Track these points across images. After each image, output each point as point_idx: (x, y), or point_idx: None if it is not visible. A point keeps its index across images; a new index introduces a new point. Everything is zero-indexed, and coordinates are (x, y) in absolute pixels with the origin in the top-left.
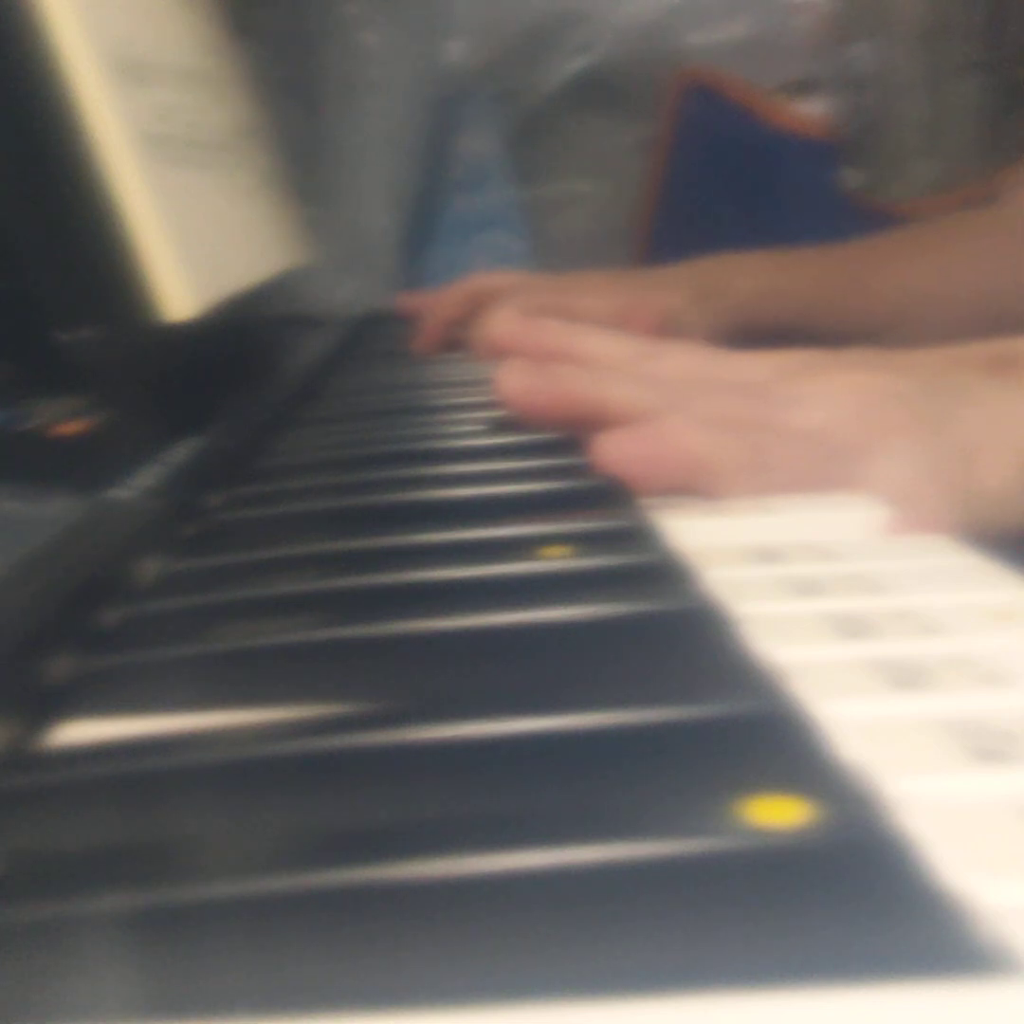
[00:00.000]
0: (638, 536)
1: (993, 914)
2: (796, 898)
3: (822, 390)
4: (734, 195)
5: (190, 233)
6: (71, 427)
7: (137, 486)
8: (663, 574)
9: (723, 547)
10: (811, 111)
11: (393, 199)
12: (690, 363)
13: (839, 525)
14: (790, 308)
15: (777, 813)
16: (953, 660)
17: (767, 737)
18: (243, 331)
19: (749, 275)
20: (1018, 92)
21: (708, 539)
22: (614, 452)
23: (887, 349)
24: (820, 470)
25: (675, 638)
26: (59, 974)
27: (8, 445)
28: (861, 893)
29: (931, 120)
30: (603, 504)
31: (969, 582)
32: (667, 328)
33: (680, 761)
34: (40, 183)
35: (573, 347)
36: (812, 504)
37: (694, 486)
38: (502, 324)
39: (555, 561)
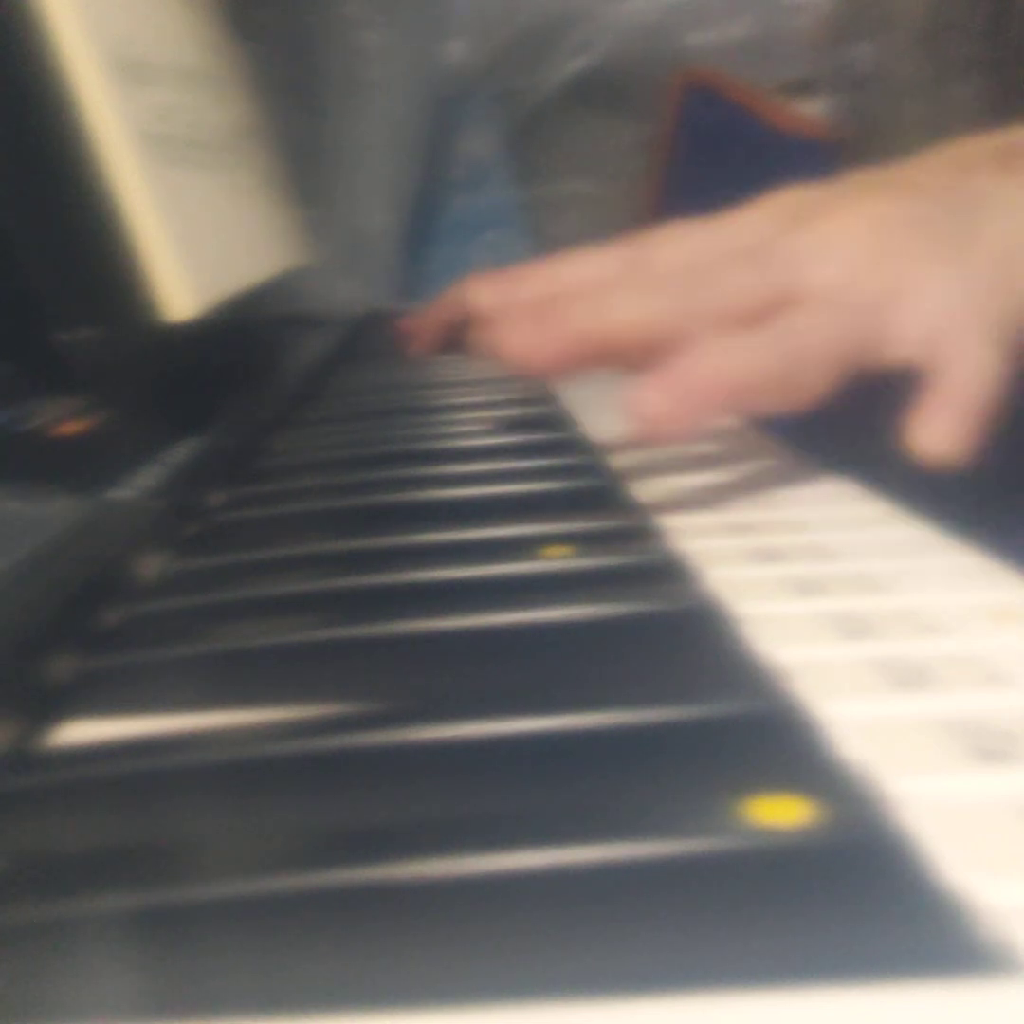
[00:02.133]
0: (638, 536)
1: (994, 914)
2: (797, 898)
3: (831, 234)
4: (734, 195)
5: (190, 233)
6: (71, 427)
7: (137, 486)
8: (663, 574)
9: (723, 547)
10: (811, 111)
11: (393, 199)
12: (684, 246)
13: (840, 524)
14: None
15: (778, 813)
16: (954, 660)
17: (768, 737)
18: (243, 331)
19: None
20: (1018, 92)
21: (708, 539)
22: (652, 407)
23: (881, 165)
24: (852, 335)
25: (675, 638)
26: (59, 974)
27: (8, 445)
28: (862, 892)
29: (931, 120)
30: (603, 504)
31: (969, 582)
32: None
33: (681, 761)
34: (40, 183)
35: (560, 281)
36: (812, 503)
37: (737, 411)
38: (478, 294)
39: (555, 561)
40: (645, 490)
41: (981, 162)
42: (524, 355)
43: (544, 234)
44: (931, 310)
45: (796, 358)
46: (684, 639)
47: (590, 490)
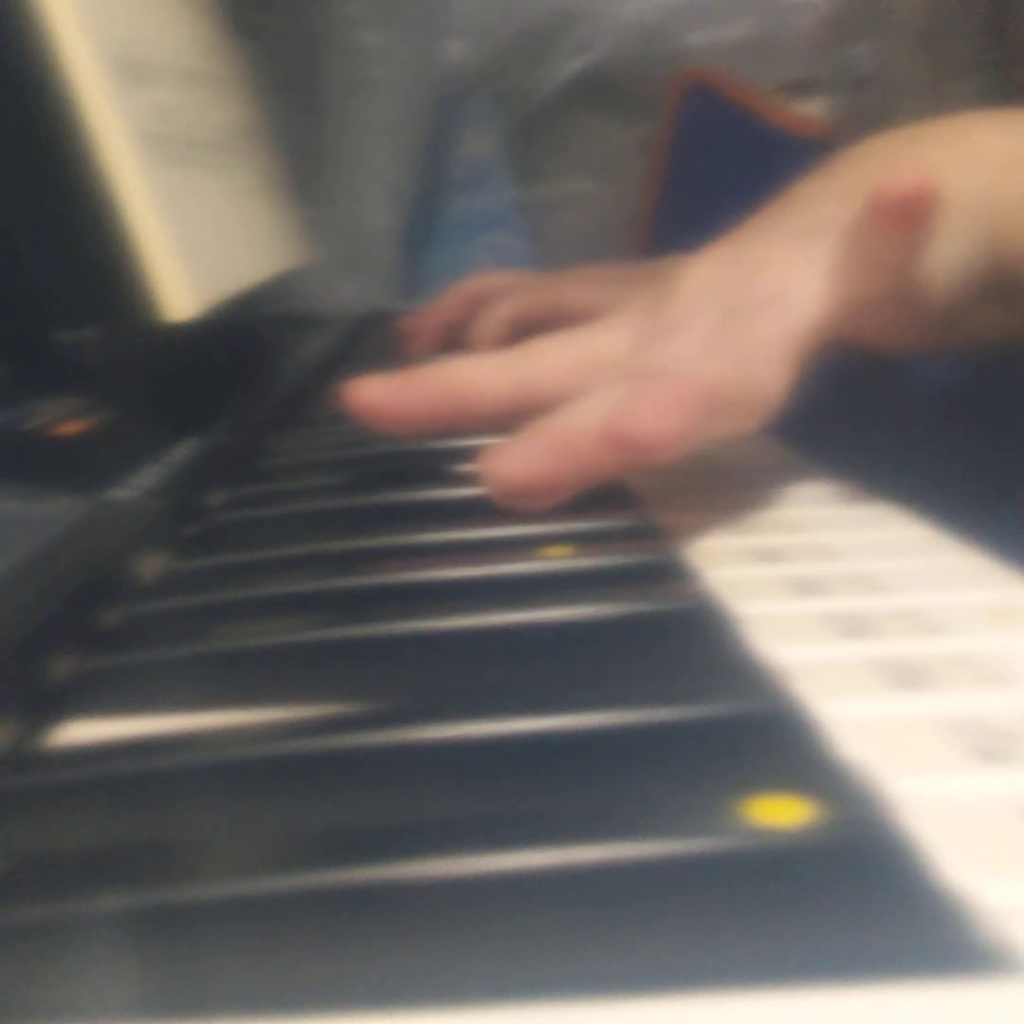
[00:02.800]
0: (638, 536)
1: (994, 914)
2: (798, 897)
3: (708, 273)
4: (734, 195)
5: (190, 233)
6: (71, 427)
7: (137, 486)
8: (663, 574)
9: (724, 547)
10: (811, 111)
11: (393, 199)
12: (566, 354)
13: (839, 524)
14: None
15: (779, 813)
16: (954, 660)
17: (769, 737)
18: (243, 331)
19: None
20: (1018, 92)
21: (708, 538)
22: (638, 410)
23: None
24: (781, 324)
25: (676, 638)
26: (59, 974)
27: (8, 445)
28: (863, 893)
29: (931, 120)
30: (604, 503)
31: (969, 582)
32: None
33: (682, 761)
34: (40, 183)
35: (457, 385)
36: (812, 502)
37: (721, 418)
38: (367, 390)
39: (555, 561)
40: (644, 490)
41: (802, 182)
42: (526, 479)
43: (544, 234)
44: (786, 278)
45: (747, 359)
46: (684, 639)
47: (589, 489)
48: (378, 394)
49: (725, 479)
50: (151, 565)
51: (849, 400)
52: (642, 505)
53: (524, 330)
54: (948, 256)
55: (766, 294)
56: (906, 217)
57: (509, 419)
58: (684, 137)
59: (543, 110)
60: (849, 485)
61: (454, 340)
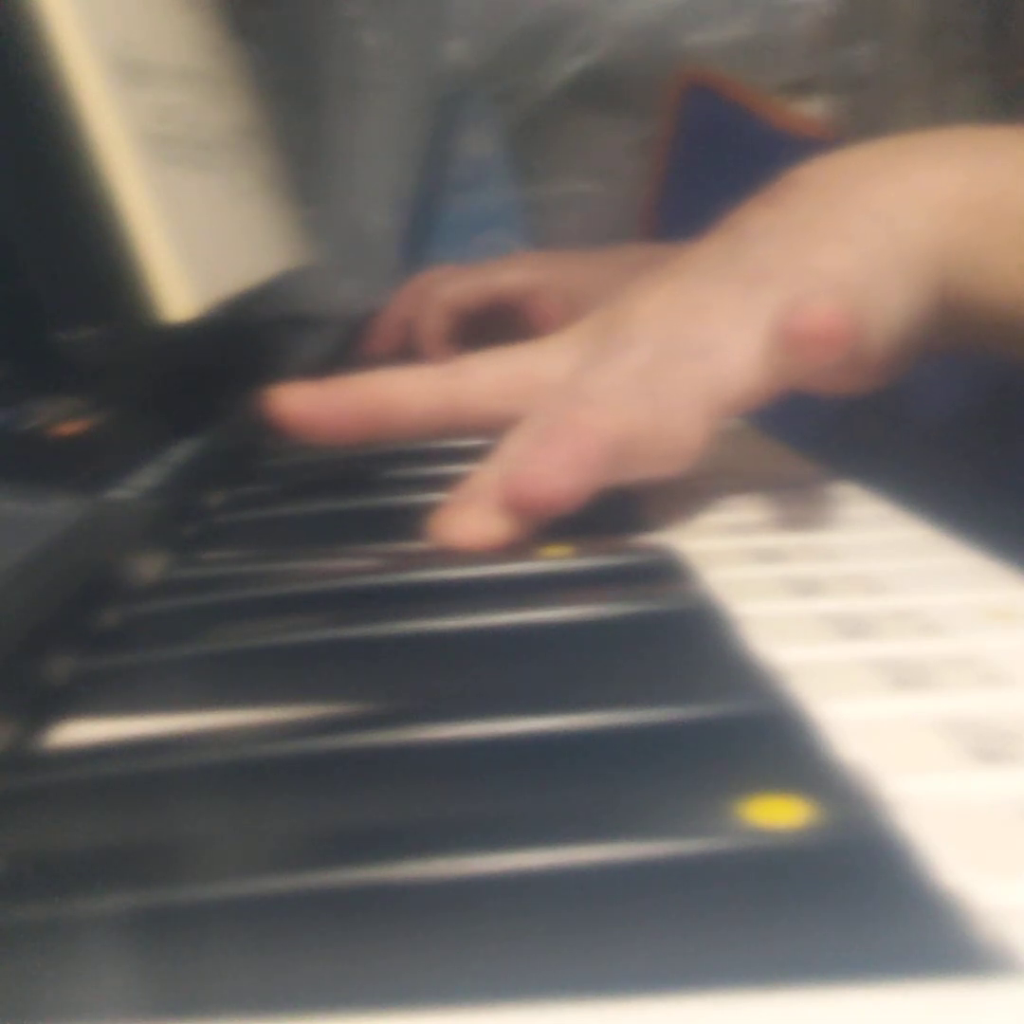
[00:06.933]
0: (637, 536)
1: (993, 914)
2: (796, 898)
3: (642, 316)
4: (734, 195)
5: (190, 233)
6: (71, 427)
7: (137, 486)
8: (663, 574)
9: (723, 547)
10: (811, 111)
11: (393, 199)
12: (502, 369)
13: (839, 524)
14: None
15: (777, 813)
16: (953, 660)
17: (767, 737)
18: (243, 331)
19: None
20: (1018, 92)
21: (707, 539)
22: (533, 470)
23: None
24: (699, 377)
25: (675, 638)
26: (59, 974)
27: (8, 445)
28: (861, 893)
29: (931, 120)
30: (602, 504)
31: (969, 582)
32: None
33: (680, 761)
34: (40, 183)
35: (382, 394)
36: (812, 503)
37: (631, 465)
38: (290, 399)
39: (555, 561)
40: (643, 491)
41: (750, 208)
42: (476, 540)
43: (544, 234)
44: (725, 330)
45: (662, 407)
46: (683, 639)
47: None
48: (301, 403)
49: (725, 480)
50: (151, 565)
51: (849, 401)
52: (642, 507)
53: (472, 321)
54: (891, 306)
55: (699, 344)
56: (817, 349)
57: (434, 434)
58: (684, 137)
59: (543, 110)
60: (848, 485)
61: (409, 337)
